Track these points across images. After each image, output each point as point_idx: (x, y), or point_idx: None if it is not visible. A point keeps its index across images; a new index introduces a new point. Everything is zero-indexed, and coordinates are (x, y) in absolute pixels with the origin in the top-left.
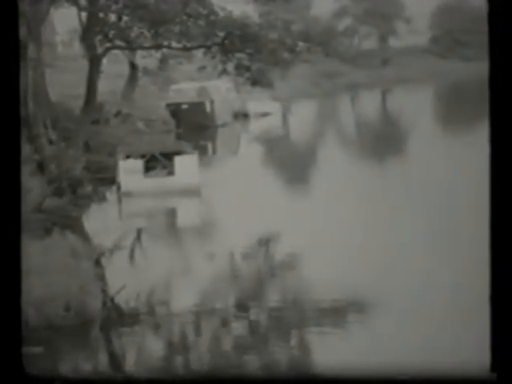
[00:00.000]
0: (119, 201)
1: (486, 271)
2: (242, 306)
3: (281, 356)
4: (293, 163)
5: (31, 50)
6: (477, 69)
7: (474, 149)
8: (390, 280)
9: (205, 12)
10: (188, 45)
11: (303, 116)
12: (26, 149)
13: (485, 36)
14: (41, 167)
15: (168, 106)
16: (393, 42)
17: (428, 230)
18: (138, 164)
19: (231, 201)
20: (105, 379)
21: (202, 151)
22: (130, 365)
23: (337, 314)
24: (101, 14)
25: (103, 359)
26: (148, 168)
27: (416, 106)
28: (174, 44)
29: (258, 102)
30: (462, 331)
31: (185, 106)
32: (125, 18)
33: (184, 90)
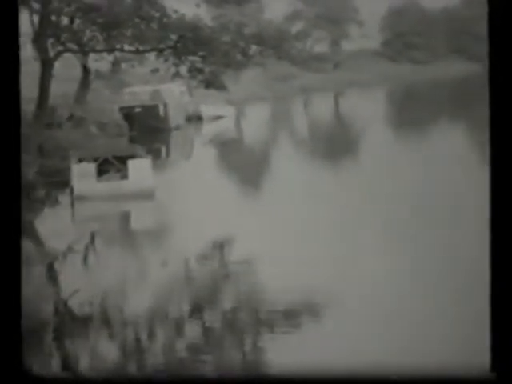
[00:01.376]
0: (72, 205)
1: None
2: (196, 310)
3: (235, 359)
4: (246, 166)
5: None
6: (427, 71)
7: (424, 151)
8: (344, 282)
9: (157, 15)
10: (141, 48)
11: (256, 119)
12: None
13: (434, 38)
14: None
15: (121, 109)
16: (345, 46)
17: (382, 230)
18: (91, 168)
19: (185, 204)
20: (105, 379)
21: (156, 154)
22: (84, 369)
23: (290, 316)
24: (53, 17)
25: (56, 363)
26: (101, 172)
27: (368, 108)
28: (126, 47)
29: (212, 105)
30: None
31: (138, 110)
32: (77, 21)
33: (137, 93)
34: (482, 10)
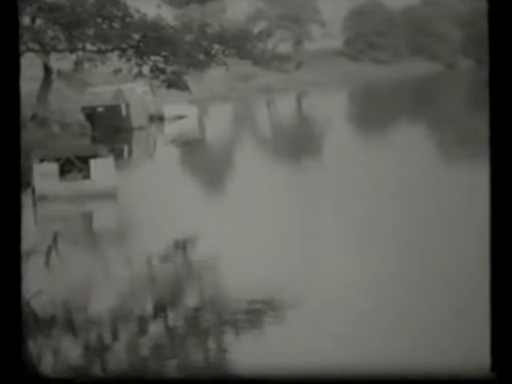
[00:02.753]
0: (34, 205)
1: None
2: (159, 310)
3: (198, 358)
4: (209, 166)
5: None
6: (389, 71)
7: (386, 150)
8: (307, 281)
9: (119, 14)
10: (103, 47)
11: (219, 119)
12: None
13: (396, 38)
14: None
15: (83, 109)
16: (307, 46)
17: (345, 229)
18: (54, 168)
19: (148, 204)
20: (105, 379)
21: (118, 154)
22: (47, 370)
23: (254, 315)
24: None
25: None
26: (63, 171)
27: (330, 108)
28: (88, 47)
29: (174, 105)
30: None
31: (100, 109)
32: (39, 21)
33: (99, 93)
34: (442, 10)
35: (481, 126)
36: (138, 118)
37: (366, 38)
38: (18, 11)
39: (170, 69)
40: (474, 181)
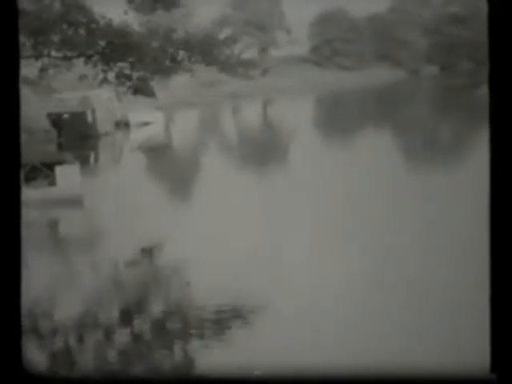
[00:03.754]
0: None
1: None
2: (125, 315)
3: (165, 363)
4: (176, 172)
5: None
6: (355, 77)
7: (351, 155)
8: (273, 287)
9: (85, 21)
10: (69, 54)
11: (185, 125)
12: None
13: (361, 45)
14: None
15: (49, 115)
16: (273, 52)
17: (311, 234)
18: None
19: (115, 210)
20: (105, 379)
21: (84, 161)
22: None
23: (220, 320)
24: None
25: None
26: (29, 178)
27: (296, 114)
28: (54, 53)
29: (140, 112)
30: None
31: (66, 116)
32: None
33: (65, 99)
34: (407, 17)
35: (444, 131)
36: (104, 125)
37: (331, 44)
38: (17, 11)
39: (136, 75)
40: (437, 185)
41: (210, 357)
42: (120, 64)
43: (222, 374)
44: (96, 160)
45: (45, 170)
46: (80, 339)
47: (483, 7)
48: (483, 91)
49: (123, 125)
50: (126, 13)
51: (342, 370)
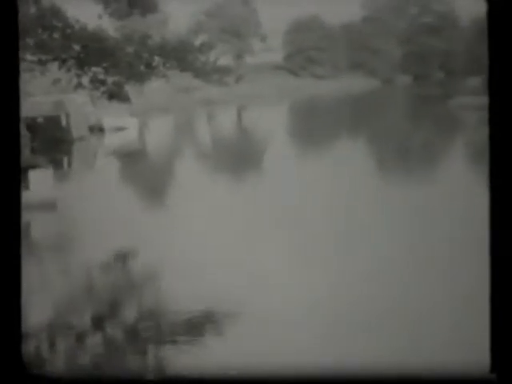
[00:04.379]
0: None
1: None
2: (98, 321)
3: (137, 370)
4: (150, 177)
5: None
6: (329, 86)
7: (326, 163)
8: (247, 293)
9: (60, 25)
10: (43, 58)
11: (160, 131)
12: None
13: (335, 54)
14: None
15: (23, 119)
16: (248, 59)
17: (285, 242)
18: None
19: (88, 215)
20: (105, 379)
21: (58, 165)
22: None
23: (193, 327)
24: None
25: None
26: None
27: (270, 122)
28: (28, 57)
29: (115, 117)
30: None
31: (40, 120)
32: None
33: (39, 103)
34: (380, 27)
35: (417, 140)
36: (78, 129)
37: (305, 53)
38: (17, 11)
39: (110, 80)
40: (411, 194)
41: (182, 362)
42: (94, 69)
43: (193, 379)
44: (70, 164)
45: None
46: (51, 344)
47: (456, 18)
48: (455, 102)
49: (97, 130)
50: (100, 17)
51: (327, 372)
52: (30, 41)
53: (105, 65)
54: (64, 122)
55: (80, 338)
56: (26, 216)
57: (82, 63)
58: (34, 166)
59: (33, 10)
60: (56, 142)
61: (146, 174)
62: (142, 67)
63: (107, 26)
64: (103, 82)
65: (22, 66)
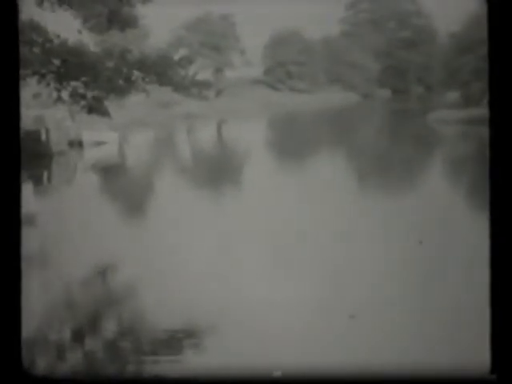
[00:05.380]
0: None
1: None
2: (77, 336)
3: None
4: (129, 192)
5: None
6: (308, 100)
7: (305, 178)
8: (227, 309)
9: (40, 40)
10: (23, 72)
11: (140, 145)
12: None
13: (314, 68)
14: None
15: None
16: (228, 73)
17: (265, 257)
18: None
19: (68, 229)
20: (106, 379)
21: (37, 180)
22: None
23: (172, 342)
24: None
25: None
26: None
27: (250, 136)
28: None
29: (94, 131)
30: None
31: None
32: None
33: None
34: (359, 41)
35: (396, 155)
36: (57, 144)
37: (285, 67)
38: (17, 13)
39: (90, 94)
40: (389, 207)
41: (162, 376)
42: (74, 83)
43: None
44: (49, 179)
45: None
46: (31, 359)
47: (434, 32)
48: (433, 116)
49: (77, 144)
50: (79, 32)
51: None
52: None
53: (84, 79)
54: (44, 137)
55: (59, 353)
56: None
57: (61, 78)
58: None
59: None
60: (36, 157)
61: (125, 189)
62: (122, 82)
63: (87, 40)
64: (83, 97)
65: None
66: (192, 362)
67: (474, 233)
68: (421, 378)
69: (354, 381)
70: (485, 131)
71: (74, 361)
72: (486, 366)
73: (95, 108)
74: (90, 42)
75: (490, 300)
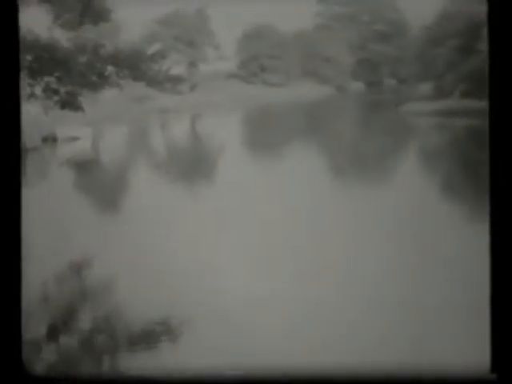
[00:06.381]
0: None
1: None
2: (53, 332)
3: (92, 380)
4: (104, 187)
5: None
6: (282, 94)
7: (280, 172)
8: (202, 303)
9: None
10: None
11: (114, 140)
12: None
13: (288, 61)
14: None
15: None
16: (202, 68)
17: (240, 251)
18: None
19: (42, 225)
20: (106, 379)
21: None
22: None
23: (148, 337)
24: None
25: None
26: None
27: (225, 130)
28: None
29: (68, 126)
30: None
31: None
32: None
33: None
34: (333, 34)
35: (369, 148)
36: (31, 139)
37: (258, 60)
38: (18, 13)
39: (63, 89)
40: (365, 199)
41: (138, 371)
42: (47, 78)
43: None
44: (23, 174)
45: None
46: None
47: (407, 25)
48: (407, 108)
49: (51, 140)
50: (50, 29)
51: (292, 375)
52: None
53: (57, 74)
54: None
55: (35, 349)
56: None
57: (34, 73)
58: None
59: None
60: None
61: (100, 184)
62: (95, 77)
63: (60, 36)
64: (56, 92)
65: None
66: (168, 357)
67: (449, 225)
68: (421, 378)
69: (346, 381)
70: (458, 122)
71: (49, 356)
72: (485, 365)
73: (69, 103)
74: (62, 37)
75: (490, 300)
